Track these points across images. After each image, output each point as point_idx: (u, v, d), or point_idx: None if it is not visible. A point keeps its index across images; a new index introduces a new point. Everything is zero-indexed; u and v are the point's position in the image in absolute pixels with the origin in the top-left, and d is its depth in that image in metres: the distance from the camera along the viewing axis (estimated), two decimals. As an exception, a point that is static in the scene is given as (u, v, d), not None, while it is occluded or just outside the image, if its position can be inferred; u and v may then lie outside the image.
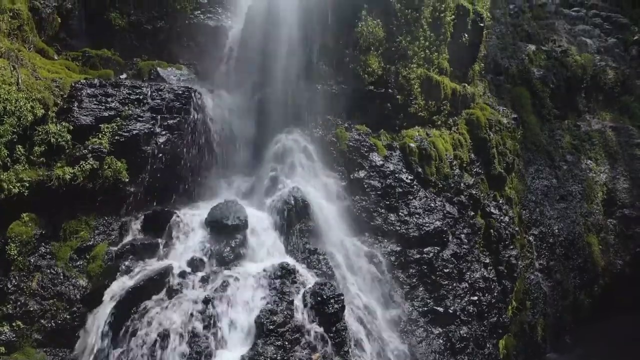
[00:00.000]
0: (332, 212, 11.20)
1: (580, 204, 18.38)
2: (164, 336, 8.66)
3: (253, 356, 8.41)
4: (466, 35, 14.35)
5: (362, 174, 11.74)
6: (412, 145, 12.49)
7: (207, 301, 8.96)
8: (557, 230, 17.14)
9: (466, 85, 14.48)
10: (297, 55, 12.22)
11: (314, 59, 12.26)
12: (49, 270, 9.59)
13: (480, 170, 13.86)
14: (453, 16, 13.85)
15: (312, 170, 11.47)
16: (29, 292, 9.35)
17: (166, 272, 9.39)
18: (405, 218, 11.64)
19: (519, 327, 14.84)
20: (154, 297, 9.14)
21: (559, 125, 19.44)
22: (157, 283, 9.25)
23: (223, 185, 11.74)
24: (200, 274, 9.52)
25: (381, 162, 11.94)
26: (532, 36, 20.43)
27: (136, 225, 10.49)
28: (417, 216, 11.73)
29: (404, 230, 11.56)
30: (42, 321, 9.30)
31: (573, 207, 18.08)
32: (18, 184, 9.47)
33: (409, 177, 12.03)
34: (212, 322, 8.82)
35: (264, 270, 9.56)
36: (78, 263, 9.86)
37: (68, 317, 9.41)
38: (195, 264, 9.65)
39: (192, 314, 8.86)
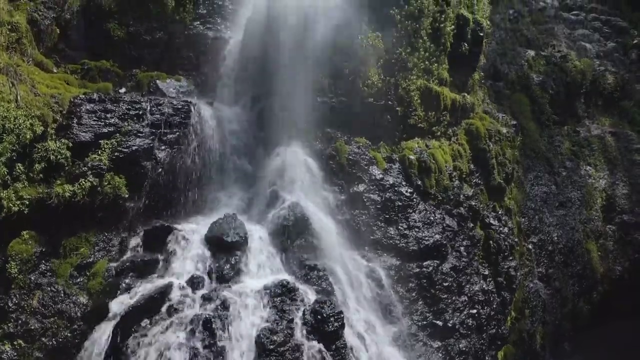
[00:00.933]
0: (331, 226, 11.20)
1: (579, 210, 18.39)
2: (165, 355, 8.66)
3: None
4: (466, 44, 14.32)
5: (361, 187, 11.74)
6: (412, 157, 12.49)
7: (207, 321, 8.96)
8: (556, 238, 17.15)
9: (466, 95, 14.46)
10: (297, 67, 12.17)
11: (314, 72, 12.19)
12: (49, 288, 9.61)
13: (479, 181, 13.87)
14: (453, 26, 13.82)
15: (311, 184, 11.46)
16: (30, 310, 9.37)
17: (166, 290, 9.41)
18: (405, 232, 11.65)
19: (518, 336, 14.88)
20: (155, 316, 9.13)
21: (558, 132, 19.42)
22: (157, 302, 9.27)
23: (223, 198, 11.75)
24: (200, 292, 9.53)
25: (381, 176, 11.93)
26: (531, 41, 20.39)
27: (136, 240, 10.52)
28: (416, 230, 11.74)
29: (403, 244, 11.57)
30: (43, 339, 9.34)
31: (572, 214, 18.09)
32: (18, 202, 9.49)
33: (409, 190, 12.03)
34: (212, 341, 8.81)
35: (264, 288, 9.58)
36: (78, 280, 9.88)
37: (69, 335, 9.46)
38: (195, 282, 9.65)
39: (192, 334, 8.86)
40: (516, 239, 14.32)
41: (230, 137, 12.08)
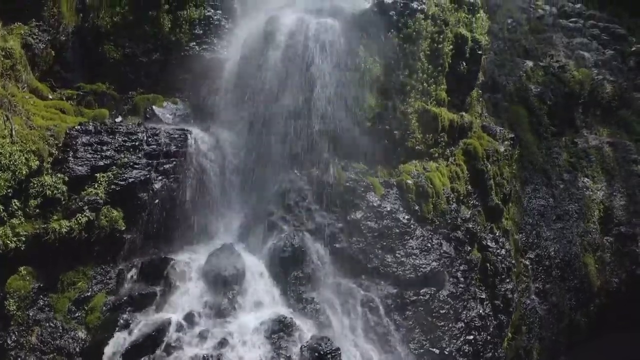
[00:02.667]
0: (328, 256, 11.19)
1: (576, 223, 18.37)
2: None
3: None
4: (464, 63, 14.23)
5: (359, 214, 11.71)
6: (410, 182, 12.47)
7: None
8: (553, 253, 17.16)
9: (464, 114, 14.40)
10: (294, 92, 12.11)
11: (310, 96, 12.12)
12: (48, 324, 9.61)
13: (477, 202, 13.85)
14: (451, 46, 13.73)
15: (309, 212, 11.44)
16: (29, 347, 9.37)
17: (164, 327, 9.41)
18: (402, 259, 11.65)
19: (515, 353, 14.93)
20: (152, 355, 9.14)
21: (556, 143, 19.36)
22: (155, 339, 9.29)
23: (221, 226, 11.74)
24: (198, 329, 9.54)
25: (378, 202, 11.92)
26: (530, 51, 20.28)
27: (133, 272, 10.50)
28: (413, 257, 11.74)
29: (400, 272, 11.57)
30: None
31: (569, 227, 18.08)
32: (15, 239, 9.48)
33: (406, 217, 12.02)
34: None
35: (261, 324, 9.59)
36: (76, 314, 9.89)
37: None
38: (192, 318, 9.68)
39: None
40: (513, 261, 14.33)
41: (228, 164, 12.02)
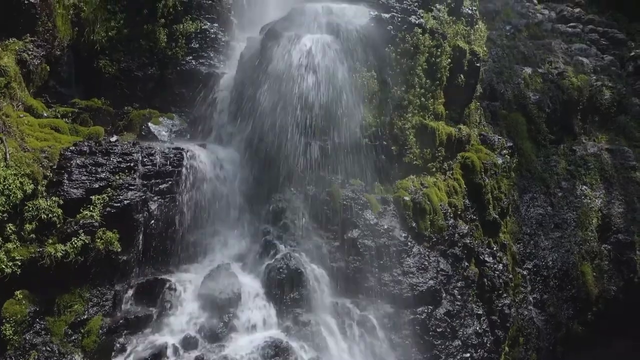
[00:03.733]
0: (325, 275, 11.16)
1: (574, 232, 18.36)
2: None
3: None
4: (462, 76, 14.17)
5: (355, 233, 11.66)
6: (407, 198, 12.42)
7: None
8: (551, 262, 17.16)
9: (461, 127, 14.34)
10: (289, 108, 12.03)
11: (307, 113, 12.03)
12: (44, 348, 9.54)
13: (474, 217, 13.82)
14: (449, 59, 13.65)
15: (306, 231, 11.39)
16: None
17: (160, 353, 9.38)
18: (399, 278, 11.62)
19: (512, 364, 14.97)
20: None
21: (554, 151, 19.32)
22: None
23: (217, 245, 11.69)
24: (194, 354, 9.50)
25: (375, 220, 11.87)
26: (528, 58, 20.20)
27: (130, 293, 10.46)
28: (410, 275, 11.71)
29: (397, 291, 11.54)
30: None
31: (567, 236, 18.07)
32: (10, 264, 9.41)
33: (403, 235, 11.98)
34: None
35: (257, 349, 9.56)
36: (73, 338, 9.81)
37: None
38: (188, 342, 9.64)
39: None
40: (510, 276, 14.32)
41: (224, 181, 11.95)
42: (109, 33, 13.03)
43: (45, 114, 11.90)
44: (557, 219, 18.24)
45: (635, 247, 19.24)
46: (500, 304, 13.43)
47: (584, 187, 19.31)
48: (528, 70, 19.78)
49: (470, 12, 14.62)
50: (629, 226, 19.49)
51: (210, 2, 13.88)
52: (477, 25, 14.92)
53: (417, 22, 13.02)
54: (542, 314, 16.55)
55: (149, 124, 12.31)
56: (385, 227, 11.91)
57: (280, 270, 10.63)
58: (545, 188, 18.55)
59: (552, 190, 18.64)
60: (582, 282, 18.01)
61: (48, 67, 12.54)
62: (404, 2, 13.17)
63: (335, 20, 12.47)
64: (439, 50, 13.37)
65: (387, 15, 12.76)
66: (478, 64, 14.54)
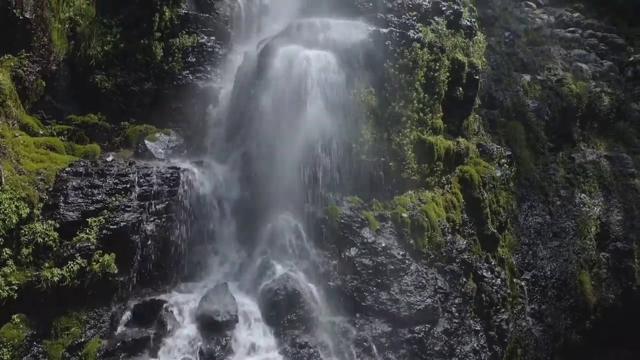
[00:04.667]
0: (322, 295, 11.13)
1: (573, 240, 18.32)
2: None
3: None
4: (461, 89, 14.10)
5: (353, 251, 11.63)
6: (405, 215, 12.37)
7: None
8: (549, 272, 17.15)
9: (460, 140, 14.28)
10: (287, 125, 11.95)
11: (305, 130, 11.95)
12: None
13: (472, 231, 13.78)
14: (448, 73, 13.57)
15: (303, 250, 11.37)
16: None
17: None
18: (397, 297, 11.58)
19: (510, 376, 14.97)
20: None
21: (553, 159, 19.27)
22: None
23: (215, 263, 11.69)
24: None
25: (373, 238, 11.83)
26: (527, 65, 20.11)
27: (127, 315, 10.44)
28: (408, 294, 11.68)
29: (395, 310, 11.50)
30: None
31: (566, 245, 18.04)
32: (7, 288, 9.37)
33: (401, 253, 11.93)
34: None
35: (255, 373, 9.56)
36: None
37: None
38: None
39: None
40: (509, 290, 14.29)
41: (221, 199, 11.91)
42: (105, 47, 12.92)
43: (41, 132, 11.81)
44: (555, 228, 18.21)
45: (634, 255, 19.23)
46: (498, 319, 13.42)
47: (583, 195, 19.27)
48: (527, 77, 19.69)
49: (469, 23, 14.52)
50: (627, 234, 19.47)
51: (207, 15, 13.80)
52: (476, 37, 14.83)
53: (415, 36, 12.93)
54: (540, 325, 16.55)
55: (145, 140, 12.23)
56: (383, 245, 11.87)
57: (278, 292, 10.60)
58: (543, 196, 18.51)
59: (550, 198, 18.61)
60: (580, 291, 18.00)
61: (44, 82, 12.42)
62: (403, 16, 13.09)
63: (333, 35, 12.36)
64: (438, 64, 13.29)
65: (385, 30, 12.65)
66: (477, 77, 14.47)
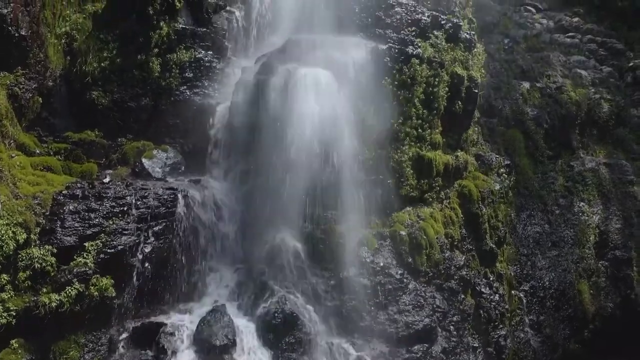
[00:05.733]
0: (321, 315, 11.13)
1: (572, 249, 18.28)
2: None
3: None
4: (460, 103, 14.04)
5: (351, 271, 11.60)
6: (403, 233, 12.35)
7: None
8: (547, 283, 17.14)
9: (459, 154, 14.23)
10: (284, 143, 11.89)
11: (303, 148, 11.87)
12: None
13: (471, 247, 13.77)
14: (447, 88, 13.50)
15: (301, 271, 11.35)
16: None
17: None
18: (395, 316, 11.59)
19: (508, 389, 14.98)
20: None
21: (552, 167, 19.21)
22: None
23: (213, 282, 11.66)
24: None
25: (371, 258, 11.82)
26: (526, 72, 20.02)
27: (124, 337, 10.43)
28: (406, 314, 11.68)
29: (393, 330, 11.51)
30: None
31: (564, 254, 18.01)
32: (5, 314, 9.38)
33: (399, 272, 11.94)
34: None
35: (253, 400, 9.56)
36: None
37: None
38: None
39: None
40: (507, 306, 14.29)
41: (219, 219, 11.86)
42: (102, 63, 12.83)
43: (37, 151, 11.77)
44: (554, 237, 18.19)
45: (633, 263, 19.20)
46: (496, 336, 13.44)
47: (582, 203, 19.22)
48: (526, 85, 19.61)
49: (468, 36, 14.43)
50: (626, 242, 19.43)
51: (204, 29, 13.66)
52: (475, 49, 14.76)
53: (414, 52, 12.86)
54: (539, 336, 16.56)
55: (143, 159, 12.17)
56: (381, 264, 11.87)
57: (276, 315, 10.60)
58: (542, 205, 18.47)
59: (549, 207, 18.57)
60: (578, 300, 17.99)
61: (40, 99, 12.38)
62: (402, 32, 13.01)
63: (331, 53, 12.26)
64: (437, 79, 13.22)
65: (384, 47, 12.58)
66: (476, 90, 14.40)
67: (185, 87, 13.28)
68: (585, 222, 19.00)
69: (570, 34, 22.53)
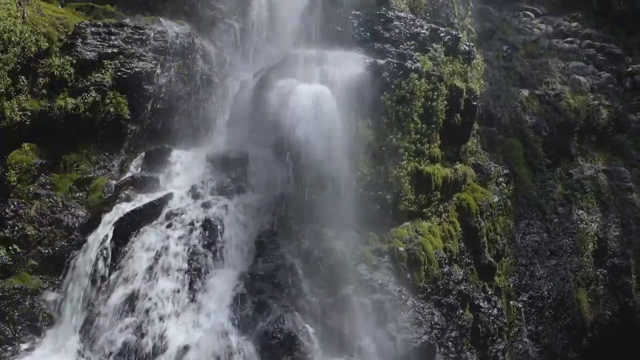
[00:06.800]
0: (319, 335, 11.03)
1: (570, 258, 18.24)
2: (163, 254, 9.42)
3: (253, 272, 9.96)
4: (459, 115, 13.97)
5: (350, 289, 11.50)
6: (401, 249, 12.30)
7: (207, 221, 9.77)
8: (546, 292, 17.11)
9: (458, 167, 14.16)
10: (282, 160, 11.84)
11: (301, 165, 11.81)
12: (48, 199, 9.97)
13: (469, 261, 13.74)
14: (446, 102, 13.41)
15: (299, 290, 11.18)
16: (27, 218, 9.67)
17: (166, 198, 10.15)
18: (393, 334, 11.52)
19: (505, 400, 14.98)
20: (154, 222, 9.75)
21: (550, 175, 19.14)
22: (156, 208, 10.03)
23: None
24: (200, 201, 10.22)
25: (369, 275, 11.75)
26: (525, 79, 19.96)
27: (137, 162, 11.04)
28: (405, 331, 11.61)
29: (391, 347, 11.45)
30: (39, 247, 9.69)
31: (563, 263, 17.97)
32: (20, 113, 9.81)
33: (397, 289, 11.87)
34: (211, 241, 9.74)
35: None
36: (78, 194, 10.29)
37: (66, 244, 9.87)
38: (196, 192, 10.46)
39: (191, 232, 9.66)
40: (505, 320, 14.27)
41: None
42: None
43: (59, 7, 11.99)
44: (552, 246, 18.14)
45: (631, 271, 19.19)
46: (494, 350, 13.44)
47: (580, 211, 19.17)
48: (525, 92, 19.55)
49: (467, 48, 14.35)
50: (624, 249, 19.41)
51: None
52: (474, 61, 14.68)
53: (413, 66, 12.76)
54: (537, 346, 16.55)
55: (160, 18, 12.65)
56: (380, 282, 11.81)
57: (274, 335, 10.47)
58: (541, 214, 18.43)
59: (548, 216, 18.53)
60: (577, 309, 17.97)
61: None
62: (400, 46, 12.90)
63: (330, 68, 12.15)
64: (436, 93, 13.13)
65: (382, 62, 12.45)
66: (475, 102, 14.32)
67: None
68: (583, 230, 18.96)
69: (569, 38, 22.45)
